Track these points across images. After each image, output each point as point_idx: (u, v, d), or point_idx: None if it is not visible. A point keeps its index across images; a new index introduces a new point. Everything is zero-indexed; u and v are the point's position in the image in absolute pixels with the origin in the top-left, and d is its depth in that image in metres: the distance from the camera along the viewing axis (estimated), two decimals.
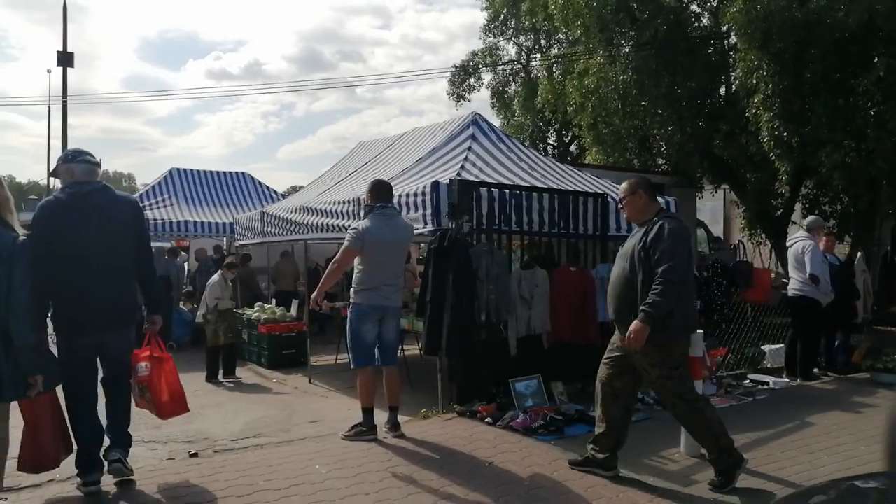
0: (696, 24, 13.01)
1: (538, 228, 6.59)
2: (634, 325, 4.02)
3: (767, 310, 8.74)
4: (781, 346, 8.43)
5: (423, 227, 6.37)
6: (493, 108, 28.05)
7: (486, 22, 26.86)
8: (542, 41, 26.81)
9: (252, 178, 14.41)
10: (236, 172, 14.19)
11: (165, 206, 12.55)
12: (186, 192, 13.05)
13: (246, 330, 10.49)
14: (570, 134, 24.97)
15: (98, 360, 4.13)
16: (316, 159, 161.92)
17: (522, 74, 27.38)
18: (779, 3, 9.31)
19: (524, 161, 7.86)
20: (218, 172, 13.98)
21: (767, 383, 7.35)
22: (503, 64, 27.46)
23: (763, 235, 13.34)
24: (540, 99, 15.10)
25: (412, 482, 4.35)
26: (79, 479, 4.06)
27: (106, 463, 4.12)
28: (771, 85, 9.44)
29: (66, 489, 4.20)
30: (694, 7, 12.98)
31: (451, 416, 5.92)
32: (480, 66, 27.26)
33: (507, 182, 6.85)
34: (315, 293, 5.39)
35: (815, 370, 7.79)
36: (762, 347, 8.36)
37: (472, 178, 6.93)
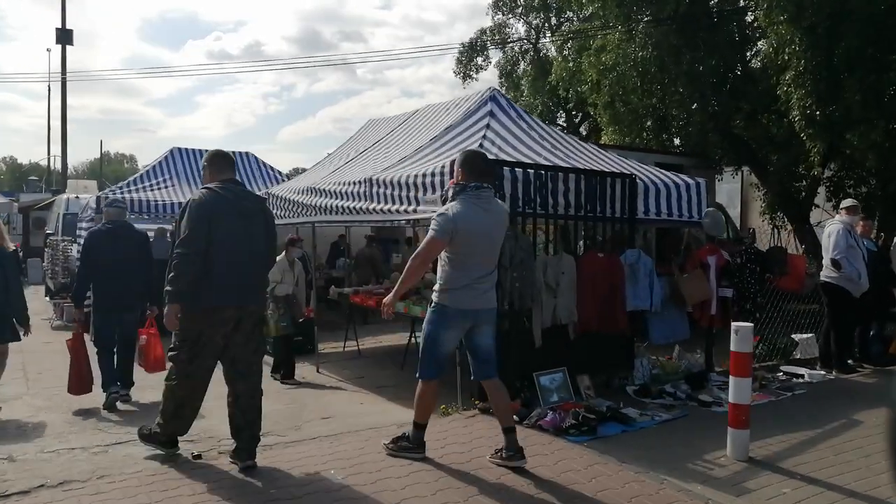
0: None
1: (564, 211, 6.15)
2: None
3: (796, 297, 8.33)
4: (811, 335, 8.04)
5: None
6: (501, 87, 27.46)
7: None
8: (553, 19, 26.16)
9: (256, 159, 13.94)
10: (240, 152, 13.69)
11: (167, 187, 12.10)
12: (188, 173, 12.57)
13: None
14: (581, 114, 24.40)
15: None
16: (317, 140, 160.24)
17: (532, 53, 26.77)
18: None
19: (546, 140, 7.40)
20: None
21: (802, 376, 6.96)
22: (512, 42, 26.82)
23: (784, 219, 12.87)
24: (554, 76, 14.56)
25: (437, 490, 3.97)
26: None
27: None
28: (803, 61, 8.93)
29: (57, 496, 3.84)
30: None
31: (472, 414, 5.53)
32: (489, 44, 26.64)
33: (528, 161, 6.41)
34: (389, 297, 4.49)
35: (850, 361, 7.39)
36: (793, 337, 7.96)
37: (491, 156, 6.49)
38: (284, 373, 7.80)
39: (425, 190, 6.15)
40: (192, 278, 4.21)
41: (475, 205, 4.30)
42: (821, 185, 12.71)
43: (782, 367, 7.24)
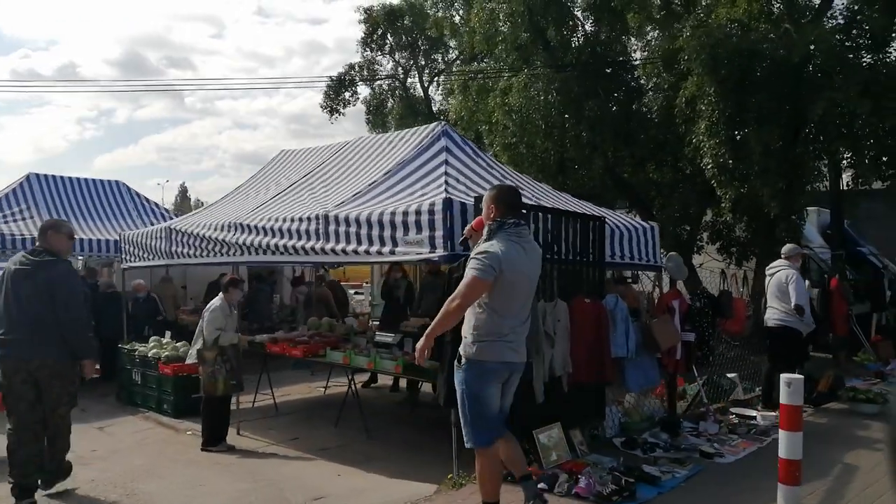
0: (610, 49, 12.99)
1: (561, 256, 5.80)
2: None
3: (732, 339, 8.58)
4: (735, 374, 8.28)
5: (431, 252, 5.38)
6: (367, 123, 27.11)
7: (363, 35, 25.99)
8: (421, 59, 26.33)
9: (128, 189, 12.34)
10: (108, 181, 12.07)
11: (24, 219, 10.29)
12: (50, 203, 10.81)
13: (138, 370, 8.75)
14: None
15: None
16: (140, 170, 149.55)
17: (399, 91, 26.70)
18: (724, 31, 9.36)
19: (508, 179, 7.08)
20: (86, 180, 11.78)
21: (755, 417, 7.07)
22: (383, 78, 26.62)
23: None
24: (453, 114, 14.49)
25: None
26: None
27: None
28: (717, 112, 9.41)
29: None
30: (604, 33, 12.97)
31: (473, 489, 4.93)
32: (357, 80, 26.21)
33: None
34: (423, 342, 3.96)
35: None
36: (729, 377, 8.14)
37: (460, 195, 6.04)
38: (210, 437, 6.69)
39: (406, 230, 5.56)
40: None
41: (516, 243, 3.92)
42: (700, 230, 13.58)
43: (732, 410, 7.33)
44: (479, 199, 4.99)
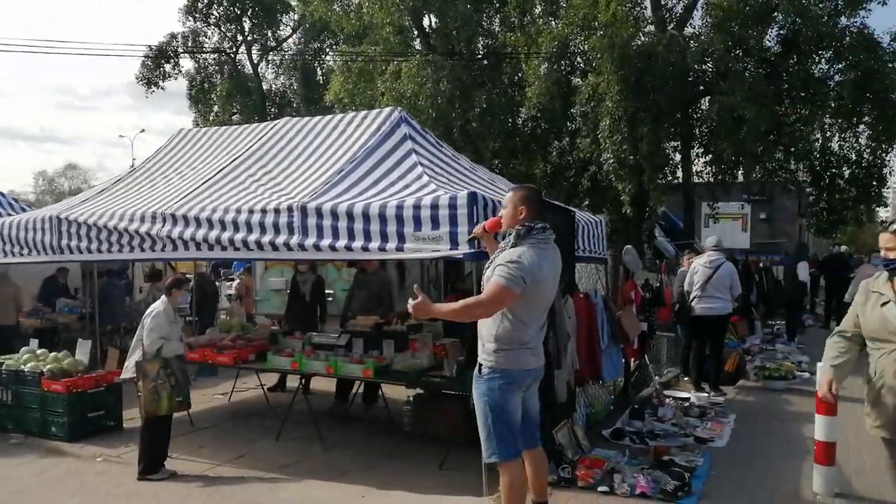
0: (496, 41, 13.18)
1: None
2: None
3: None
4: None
5: (453, 249, 5.02)
6: (189, 99, 24.90)
7: (187, 2, 23.65)
8: (253, 34, 24.55)
9: None
10: None
11: None
12: None
13: (13, 388, 7.26)
14: None
15: None
16: None
17: (227, 66, 24.76)
18: (628, 32, 9.87)
19: (477, 170, 6.86)
20: None
21: (689, 398, 7.59)
22: (210, 52, 24.48)
23: None
24: (331, 95, 13.68)
25: None
26: None
27: None
28: (620, 110, 9.92)
29: None
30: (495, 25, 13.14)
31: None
32: (181, 52, 23.84)
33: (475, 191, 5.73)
34: (426, 306, 3.67)
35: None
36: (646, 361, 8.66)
37: (443, 185, 5.74)
38: (148, 464, 5.72)
39: (418, 224, 5.14)
40: None
41: (543, 250, 3.83)
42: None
43: (666, 393, 7.80)
44: None
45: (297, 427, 6.87)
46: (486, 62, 12.68)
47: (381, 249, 5.27)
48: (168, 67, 23.95)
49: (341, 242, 5.40)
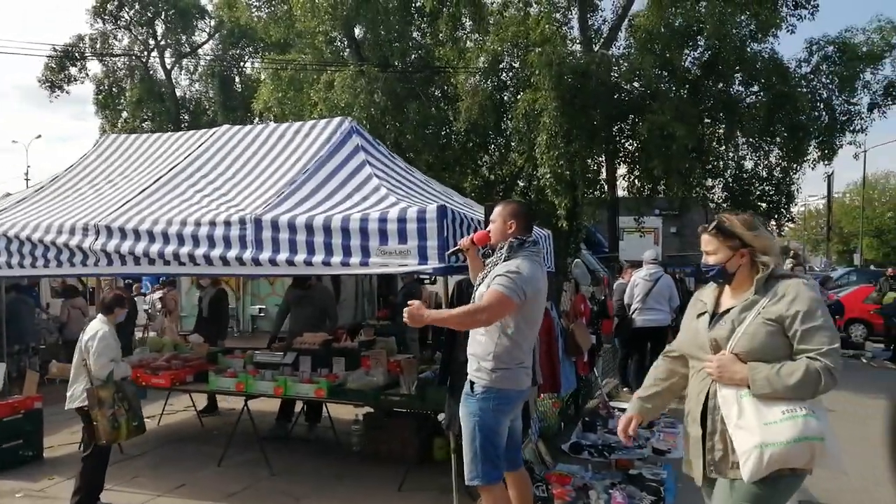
0: (428, 54, 13.17)
1: None
2: None
3: None
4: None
5: (422, 264, 4.88)
6: (96, 104, 23.53)
7: (95, 3, 22.38)
8: (167, 38, 23.49)
9: None
10: None
11: None
12: None
13: None
14: None
15: None
16: None
17: (139, 71, 23.57)
18: (565, 51, 10.05)
19: (431, 183, 6.76)
20: None
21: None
22: (120, 55, 23.22)
23: None
24: (260, 104, 13.17)
25: None
26: None
27: None
28: (556, 126, 10.08)
29: None
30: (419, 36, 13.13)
31: None
32: (88, 54, 22.50)
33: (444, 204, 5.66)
34: (421, 312, 3.52)
35: None
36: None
37: (403, 197, 5.60)
38: (83, 497, 5.25)
39: (384, 238, 4.97)
40: None
41: (537, 264, 3.78)
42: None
43: (612, 405, 7.91)
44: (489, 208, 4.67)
45: (239, 451, 6.53)
46: (418, 75, 12.60)
47: (344, 264, 5.06)
48: (74, 70, 22.60)
49: (300, 257, 5.16)
